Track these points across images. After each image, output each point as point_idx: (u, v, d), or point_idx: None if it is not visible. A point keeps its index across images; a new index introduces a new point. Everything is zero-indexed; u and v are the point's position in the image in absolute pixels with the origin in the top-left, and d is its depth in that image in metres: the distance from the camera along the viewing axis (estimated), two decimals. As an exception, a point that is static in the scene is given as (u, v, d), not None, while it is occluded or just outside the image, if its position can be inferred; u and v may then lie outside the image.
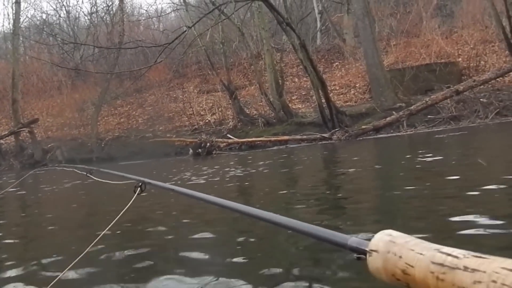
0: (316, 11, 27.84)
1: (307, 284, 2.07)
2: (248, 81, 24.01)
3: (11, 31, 25.77)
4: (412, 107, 14.68)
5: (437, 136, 11.49)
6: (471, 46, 19.93)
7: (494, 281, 0.52)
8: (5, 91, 25.28)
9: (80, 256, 2.05)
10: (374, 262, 0.67)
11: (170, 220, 4.16)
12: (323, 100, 15.67)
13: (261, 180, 7.27)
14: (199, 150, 15.79)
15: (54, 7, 50.21)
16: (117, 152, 20.01)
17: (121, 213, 2.14)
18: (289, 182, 6.69)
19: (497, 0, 17.68)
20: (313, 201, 4.53)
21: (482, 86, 15.09)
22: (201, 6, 25.84)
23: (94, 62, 28.09)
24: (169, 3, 46.61)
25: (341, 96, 20.47)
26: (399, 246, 0.65)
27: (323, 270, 2.31)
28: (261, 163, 10.16)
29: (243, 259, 2.62)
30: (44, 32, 33.02)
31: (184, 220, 4.08)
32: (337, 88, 21.19)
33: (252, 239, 3.12)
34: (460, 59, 19.81)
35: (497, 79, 15.79)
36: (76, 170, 4.30)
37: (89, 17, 32.03)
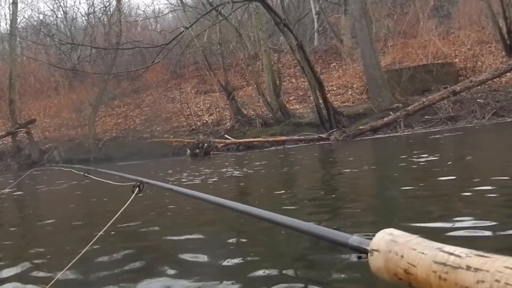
0: (314, 12, 27.83)
1: (305, 285, 2.07)
2: (246, 81, 24.00)
3: (8, 32, 25.69)
4: (409, 108, 14.70)
5: (434, 136, 11.51)
6: (468, 47, 19.96)
7: (497, 280, 0.51)
8: (2, 91, 25.17)
9: (78, 256, 2.04)
10: (375, 261, 0.67)
11: (166, 221, 4.16)
12: (321, 101, 15.66)
13: (258, 180, 7.27)
14: (197, 150, 15.77)
15: (51, 7, 50.07)
16: (114, 152, 19.95)
17: (119, 213, 2.13)
18: (286, 183, 6.69)
19: (494, 1, 17.77)
20: (310, 202, 4.53)
21: (479, 87, 15.12)
22: (199, 6, 25.80)
23: (91, 63, 28.03)
24: (166, 4, 46.58)
25: (339, 96, 20.47)
26: (401, 245, 0.64)
27: (321, 271, 2.31)
28: (259, 163, 10.15)
29: (240, 259, 2.61)
30: (41, 33, 32.93)
31: (180, 221, 4.08)
32: (335, 88, 21.20)
33: (249, 240, 3.12)
34: (457, 59, 19.83)
35: (494, 79, 15.81)
36: (73, 170, 4.30)
37: (86, 18, 32.04)
